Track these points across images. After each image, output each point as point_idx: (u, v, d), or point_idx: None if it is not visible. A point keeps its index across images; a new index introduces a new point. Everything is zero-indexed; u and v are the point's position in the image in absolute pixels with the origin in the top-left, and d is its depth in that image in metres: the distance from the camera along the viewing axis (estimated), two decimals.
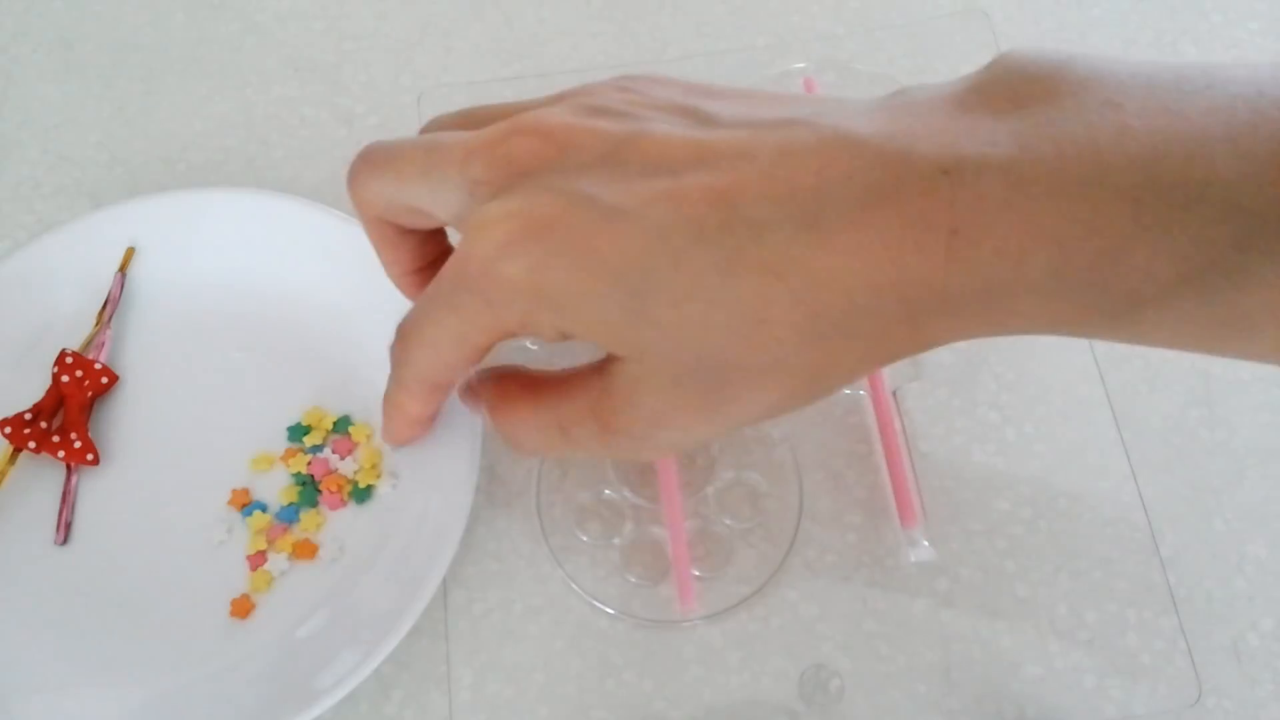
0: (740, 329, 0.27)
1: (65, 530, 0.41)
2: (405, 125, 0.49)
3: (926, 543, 0.39)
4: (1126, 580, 0.40)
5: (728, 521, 0.41)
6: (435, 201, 0.31)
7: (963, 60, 0.50)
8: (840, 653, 0.39)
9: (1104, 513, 0.41)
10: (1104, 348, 0.44)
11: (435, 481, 0.40)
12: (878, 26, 0.52)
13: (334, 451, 0.42)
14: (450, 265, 0.30)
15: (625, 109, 0.30)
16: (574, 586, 0.40)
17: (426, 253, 0.36)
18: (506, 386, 0.33)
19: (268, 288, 0.44)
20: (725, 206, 0.27)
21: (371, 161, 0.33)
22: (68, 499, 0.41)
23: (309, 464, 0.42)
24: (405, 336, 0.33)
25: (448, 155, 0.30)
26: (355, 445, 0.42)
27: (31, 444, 0.41)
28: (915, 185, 0.26)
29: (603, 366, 0.30)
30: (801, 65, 0.50)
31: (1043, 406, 0.43)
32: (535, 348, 0.44)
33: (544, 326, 0.29)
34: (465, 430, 0.40)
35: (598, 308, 0.28)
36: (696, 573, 0.40)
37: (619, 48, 0.51)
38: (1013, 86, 0.27)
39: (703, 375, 0.28)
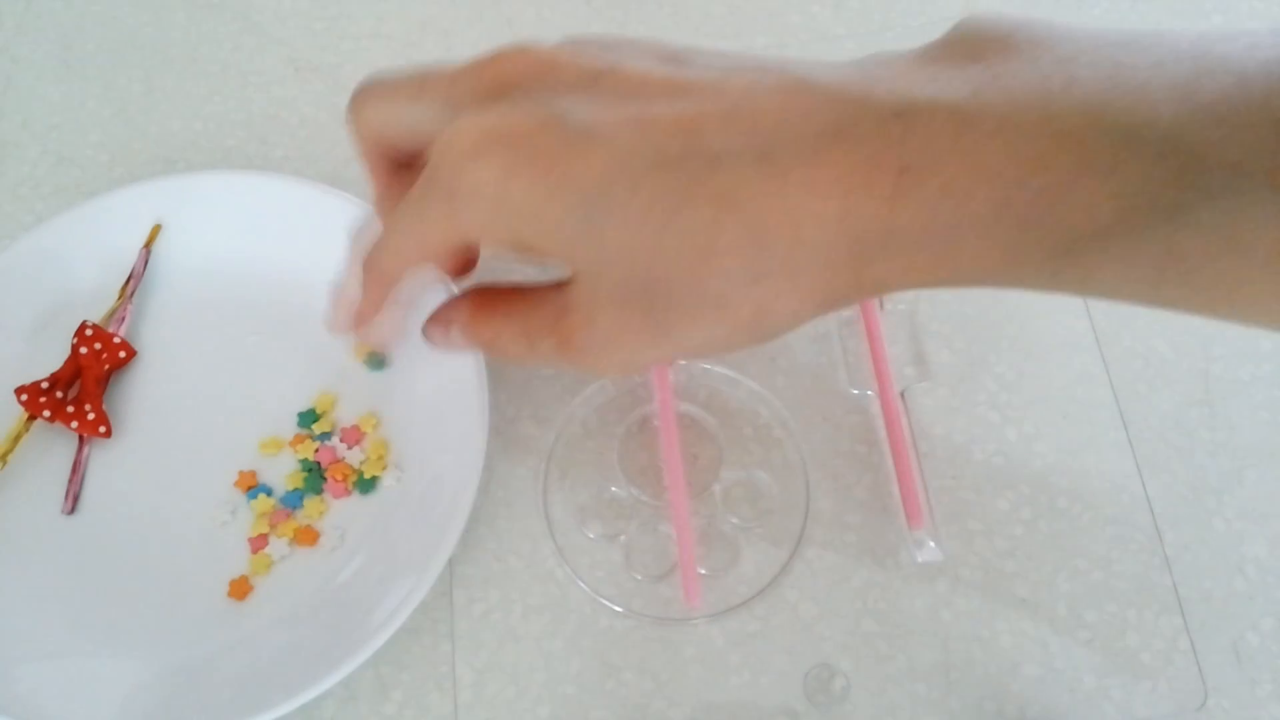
0: (688, 258, 0.28)
1: (74, 500, 0.41)
2: None
3: (933, 544, 0.39)
4: (1127, 580, 0.40)
5: (733, 520, 0.41)
6: (425, 119, 0.33)
7: None
8: (840, 652, 0.39)
9: (1104, 512, 0.41)
10: (1106, 348, 0.44)
11: (439, 477, 0.40)
12: (878, 27, 0.52)
13: (342, 440, 0.42)
14: (425, 169, 0.31)
15: (610, 48, 0.31)
16: (579, 584, 0.40)
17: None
18: (483, 296, 0.35)
19: (289, 274, 0.45)
20: (688, 135, 0.28)
21: (368, 89, 0.34)
22: (78, 469, 0.41)
23: (316, 451, 0.42)
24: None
25: (438, 77, 0.32)
26: (363, 435, 0.42)
27: (46, 413, 0.42)
28: (869, 126, 0.27)
29: (563, 283, 0.31)
30: None
31: (1043, 406, 0.43)
32: None
33: (501, 233, 0.30)
34: (472, 428, 0.40)
35: (555, 221, 0.29)
36: (702, 571, 0.40)
37: None
38: (971, 43, 0.28)
39: (649, 300, 0.29)
